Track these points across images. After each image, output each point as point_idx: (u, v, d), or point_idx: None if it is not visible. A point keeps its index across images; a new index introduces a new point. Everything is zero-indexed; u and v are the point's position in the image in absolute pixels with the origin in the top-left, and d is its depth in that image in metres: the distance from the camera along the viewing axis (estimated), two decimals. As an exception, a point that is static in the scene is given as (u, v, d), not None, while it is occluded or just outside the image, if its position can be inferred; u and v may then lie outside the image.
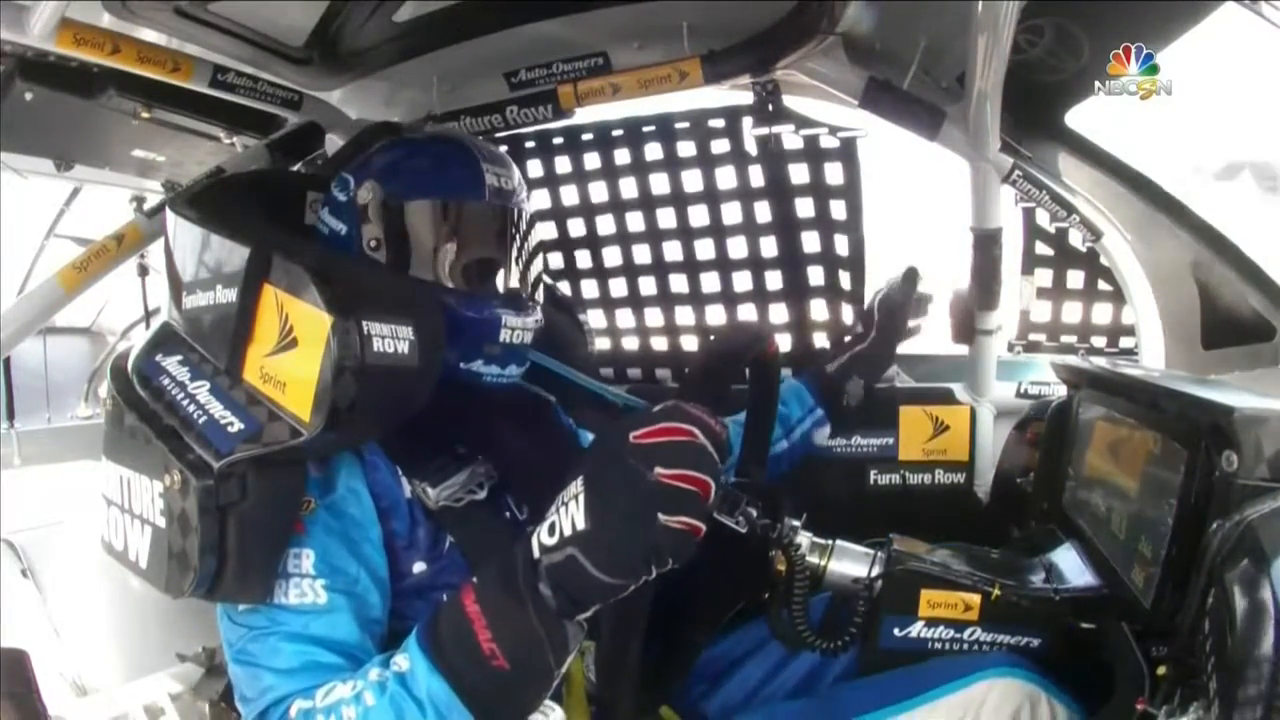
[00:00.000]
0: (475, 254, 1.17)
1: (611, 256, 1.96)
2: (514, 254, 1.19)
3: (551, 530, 0.84)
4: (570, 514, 0.82)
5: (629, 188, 1.87)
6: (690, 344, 1.97)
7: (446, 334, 1.04)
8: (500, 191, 1.16)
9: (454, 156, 1.17)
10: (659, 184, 1.84)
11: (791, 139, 1.66)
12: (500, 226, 1.18)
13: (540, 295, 1.25)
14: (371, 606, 1.00)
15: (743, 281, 1.85)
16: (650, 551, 0.81)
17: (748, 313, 1.87)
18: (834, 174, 1.68)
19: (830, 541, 1.23)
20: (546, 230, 1.97)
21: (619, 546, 0.81)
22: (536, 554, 0.84)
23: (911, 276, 1.59)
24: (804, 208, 1.73)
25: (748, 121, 1.67)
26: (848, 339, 1.65)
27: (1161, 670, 0.88)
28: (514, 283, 1.20)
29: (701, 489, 0.80)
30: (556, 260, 2.00)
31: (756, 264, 1.82)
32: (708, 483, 0.81)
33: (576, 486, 0.83)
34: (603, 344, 2.04)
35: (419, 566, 1.07)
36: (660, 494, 0.79)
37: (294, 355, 0.94)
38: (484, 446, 1.15)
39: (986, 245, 1.57)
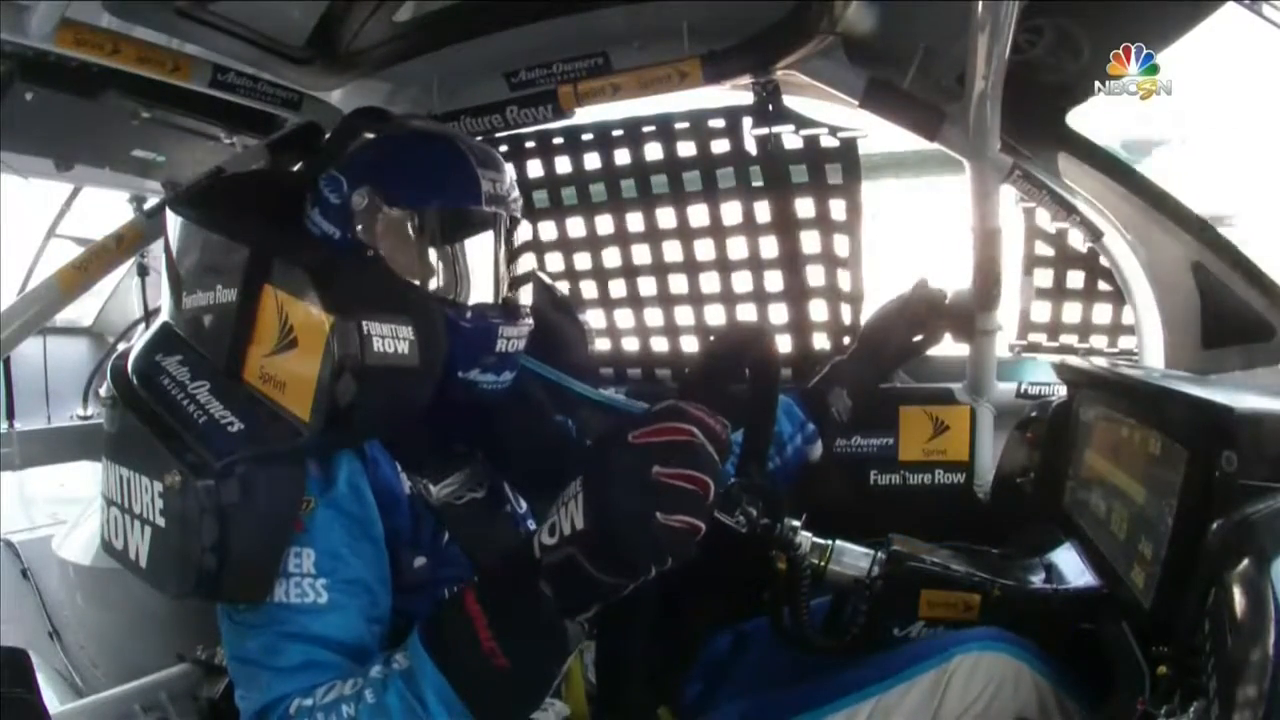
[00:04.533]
0: (470, 262, 1.15)
1: (611, 257, 1.95)
2: (507, 260, 1.18)
3: (551, 531, 0.84)
4: (569, 514, 0.82)
5: (629, 188, 1.87)
6: (690, 344, 1.97)
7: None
8: (495, 197, 1.14)
9: (448, 161, 1.14)
10: (659, 184, 1.83)
11: (791, 139, 1.65)
12: (494, 233, 1.16)
13: (529, 297, 1.24)
14: (373, 605, 1.00)
15: (742, 282, 1.84)
16: (650, 551, 0.81)
17: (748, 313, 1.86)
18: (834, 174, 1.68)
19: (830, 541, 1.23)
20: (547, 230, 1.97)
21: (618, 546, 0.81)
22: (537, 554, 0.84)
23: (920, 294, 1.57)
24: (804, 208, 1.73)
25: (748, 121, 1.66)
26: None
27: (1161, 670, 0.88)
28: (508, 290, 1.19)
29: (701, 488, 0.80)
30: (556, 260, 2.00)
31: (756, 264, 1.81)
32: (707, 482, 0.80)
33: (575, 487, 0.83)
34: (603, 344, 2.04)
35: (420, 563, 1.06)
36: (659, 493, 0.79)
37: (294, 355, 0.94)
38: (483, 445, 1.15)
39: (986, 245, 1.58)
